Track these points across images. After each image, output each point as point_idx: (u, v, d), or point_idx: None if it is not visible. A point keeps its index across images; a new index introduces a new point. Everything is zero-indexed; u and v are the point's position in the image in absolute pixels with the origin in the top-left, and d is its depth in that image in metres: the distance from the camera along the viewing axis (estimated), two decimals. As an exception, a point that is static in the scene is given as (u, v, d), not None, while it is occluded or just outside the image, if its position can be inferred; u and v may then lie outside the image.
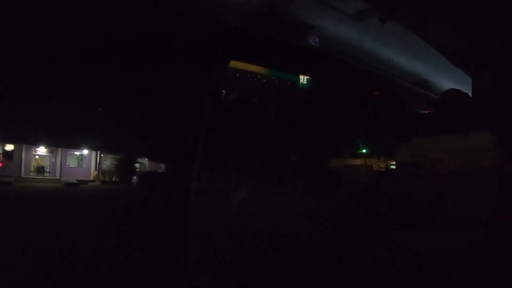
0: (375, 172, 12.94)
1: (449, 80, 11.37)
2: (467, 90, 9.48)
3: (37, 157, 15.80)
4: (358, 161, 14.31)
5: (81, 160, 16.71)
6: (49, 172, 15.76)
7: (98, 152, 16.34)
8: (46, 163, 15.97)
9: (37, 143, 15.15)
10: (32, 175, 15.08)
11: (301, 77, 12.45)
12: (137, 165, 16.73)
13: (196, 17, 8.28)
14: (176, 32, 7.92)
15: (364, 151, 12.69)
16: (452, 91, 11.12)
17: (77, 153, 16.58)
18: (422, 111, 12.03)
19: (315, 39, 9.76)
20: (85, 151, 16.32)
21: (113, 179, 16.31)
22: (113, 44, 7.95)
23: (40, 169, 15.38)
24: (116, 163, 16.52)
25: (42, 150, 15.47)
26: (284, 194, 10.89)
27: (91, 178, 16.19)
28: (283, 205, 9.19)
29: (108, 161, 17.07)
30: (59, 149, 15.71)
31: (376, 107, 11.47)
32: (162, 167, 17.27)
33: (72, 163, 16.38)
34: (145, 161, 17.47)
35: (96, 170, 16.44)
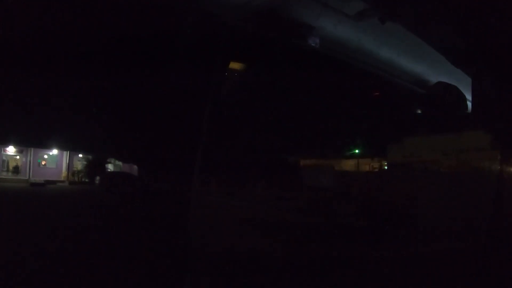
0: (343, 174, 11.33)
1: (449, 80, 11.30)
2: (467, 90, 9.39)
3: (17, 157, 15.62)
4: (351, 162, 13.71)
5: (54, 160, 16.53)
6: (20, 172, 15.63)
7: (68, 152, 16.15)
8: (17, 163, 15.75)
9: (6, 143, 14.85)
10: (4, 175, 14.90)
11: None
12: (109, 165, 16.55)
13: (196, 17, 8.22)
14: (167, 29, 7.83)
15: (356, 151, 12.28)
16: (439, 84, 10.99)
17: (50, 153, 16.40)
18: (418, 110, 11.91)
19: (315, 40, 9.70)
20: (55, 151, 16.11)
21: (83, 180, 16.17)
22: (98, 42, 7.85)
23: (14, 169, 15.15)
24: (86, 163, 16.37)
25: (11, 149, 15.17)
26: (244, 198, 9.57)
27: (62, 178, 16.06)
28: (233, 210, 8.10)
29: (80, 162, 16.90)
30: (30, 149, 15.51)
31: (376, 107, 11.37)
32: (135, 168, 16.93)
33: (43, 163, 16.19)
34: (119, 162, 17.20)
35: (66, 170, 16.29)
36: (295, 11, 9.31)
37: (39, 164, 15.87)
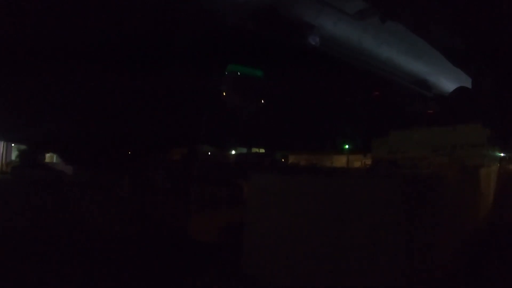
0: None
1: (449, 80, 11.27)
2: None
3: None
4: (343, 158, 13.09)
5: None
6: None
7: (4, 143, 16.21)
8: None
9: None
10: None
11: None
12: (47, 156, 16.57)
13: (196, 16, 8.20)
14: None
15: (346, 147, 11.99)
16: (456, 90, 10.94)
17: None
18: (422, 111, 11.86)
19: (315, 39, 9.67)
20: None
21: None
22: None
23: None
24: (18, 154, 16.47)
25: None
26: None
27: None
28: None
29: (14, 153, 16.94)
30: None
31: (376, 106, 11.37)
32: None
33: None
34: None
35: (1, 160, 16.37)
36: (295, 9, 9.29)
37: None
